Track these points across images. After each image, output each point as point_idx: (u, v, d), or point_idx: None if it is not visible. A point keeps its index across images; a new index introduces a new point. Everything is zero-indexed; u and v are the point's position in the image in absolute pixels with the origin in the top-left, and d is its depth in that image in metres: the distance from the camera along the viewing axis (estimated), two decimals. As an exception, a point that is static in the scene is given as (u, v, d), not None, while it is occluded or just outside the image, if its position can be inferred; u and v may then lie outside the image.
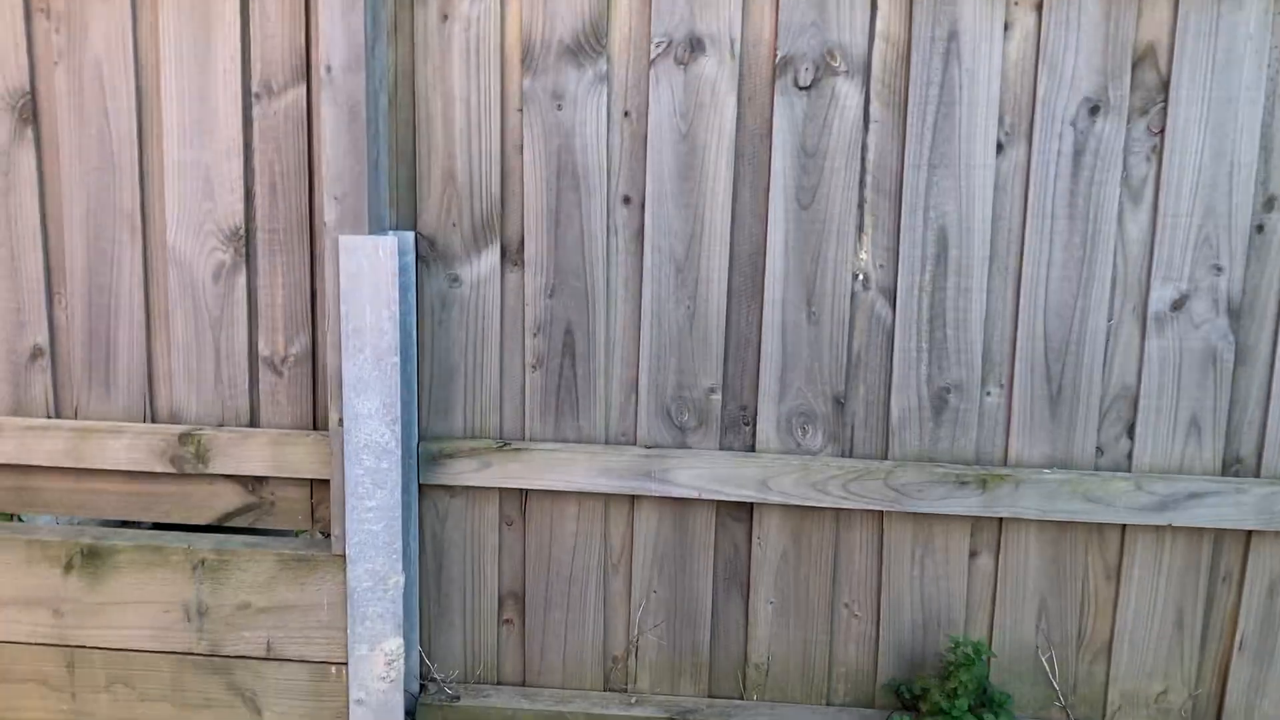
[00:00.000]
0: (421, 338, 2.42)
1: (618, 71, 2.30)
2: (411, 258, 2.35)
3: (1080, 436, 2.35)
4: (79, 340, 2.48)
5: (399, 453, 2.32)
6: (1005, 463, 2.37)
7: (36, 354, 2.49)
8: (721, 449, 2.42)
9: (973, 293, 2.31)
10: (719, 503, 2.44)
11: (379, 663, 2.41)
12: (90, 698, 2.51)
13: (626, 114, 2.31)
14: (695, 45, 2.27)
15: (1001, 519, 2.39)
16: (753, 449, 2.41)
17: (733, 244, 2.34)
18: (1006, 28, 2.22)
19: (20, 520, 2.61)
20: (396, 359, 2.28)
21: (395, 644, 2.40)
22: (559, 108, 2.31)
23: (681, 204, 2.32)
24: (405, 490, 2.39)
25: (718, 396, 2.39)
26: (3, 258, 2.45)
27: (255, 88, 2.34)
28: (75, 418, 2.51)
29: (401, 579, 2.38)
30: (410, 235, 2.35)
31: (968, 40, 2.22)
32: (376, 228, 2.29)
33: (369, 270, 2.24)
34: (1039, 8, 2.21)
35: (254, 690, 2.48)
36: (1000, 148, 2.26)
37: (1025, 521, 2.38)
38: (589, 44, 2.29)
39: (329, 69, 2.22)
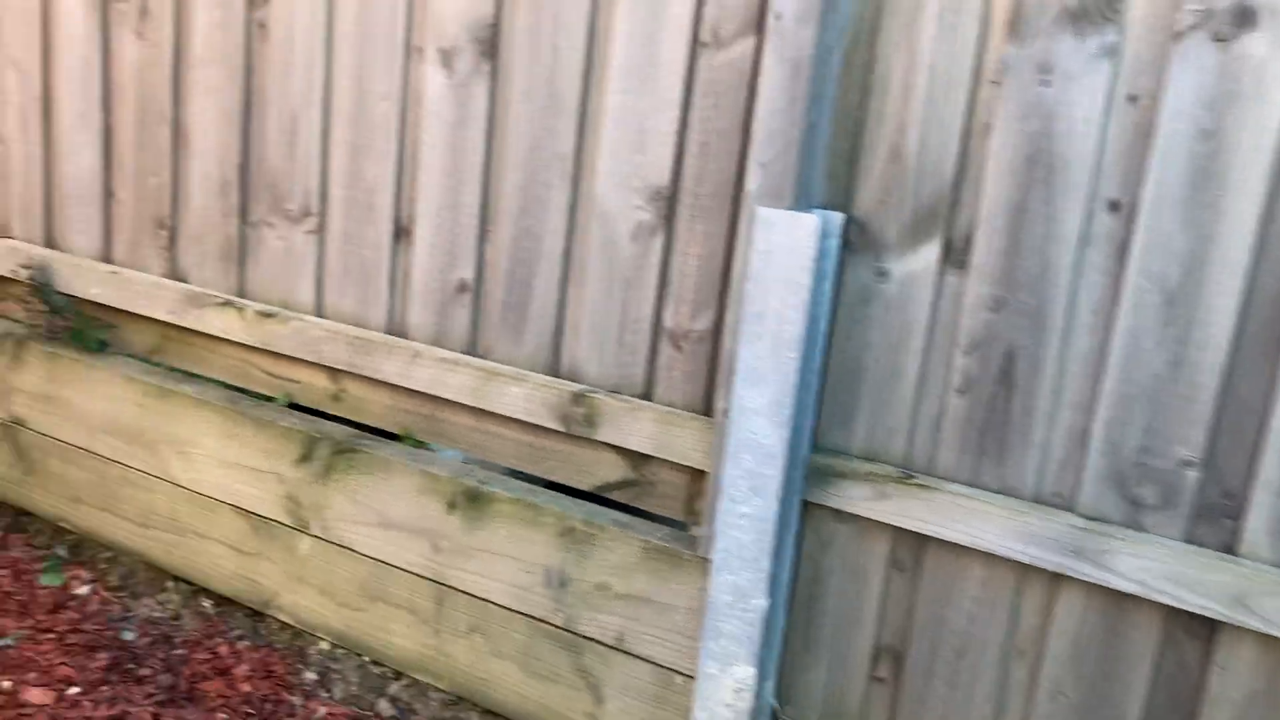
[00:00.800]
0: (832, 335, 2.10)
1: (1130, 45, 1.81)
2: (836, 242, 2.04)
3: None
4: (501, 281, 2.44)
5: (784, 460, 2.03)
6: None
7: (462, 288, 2.49)
8: (1187, 541, 1.87)
9: None
10: (1170, 609, 1.89)
11: (727, 687, 2.15)
12: (451, 639, 2.50)
13: (1132, 98, 1.81)
14: (1244, 18, 1.72)
15: None
16: (1230, 550, 1.84)
17: (1252, 280, 1.76)
18: None
19: (429, 449, 2.65)
20: (797, 354, 1.98)
21: (747, 672, 2.13)
22: (1044, 83, 1.87)
23: (1187, 219, 1.79)
24: (785, 503, 2.09)
25: (1194, 473, 1.84)
26: (448, 188, 2.47)
27: (704, 35, 2.14)
28: (485, 357, 2.49)
29: (765, 602, 2.10)
30: (839, 217, 2.03)
31: None
32: (802, 203, 2.01)
33: (783, 249, 1.96)
34: None
35: (598, 678, 2.33)
36: None
37: None
38: (1098, 8, 1.82)
39: (779, 17, 1.95)
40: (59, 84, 3.00)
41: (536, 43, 2.31)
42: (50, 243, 3.11)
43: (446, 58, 2.42)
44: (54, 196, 3.08)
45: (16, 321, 3.16)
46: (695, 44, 2.15)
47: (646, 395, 2.32)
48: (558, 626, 2.36)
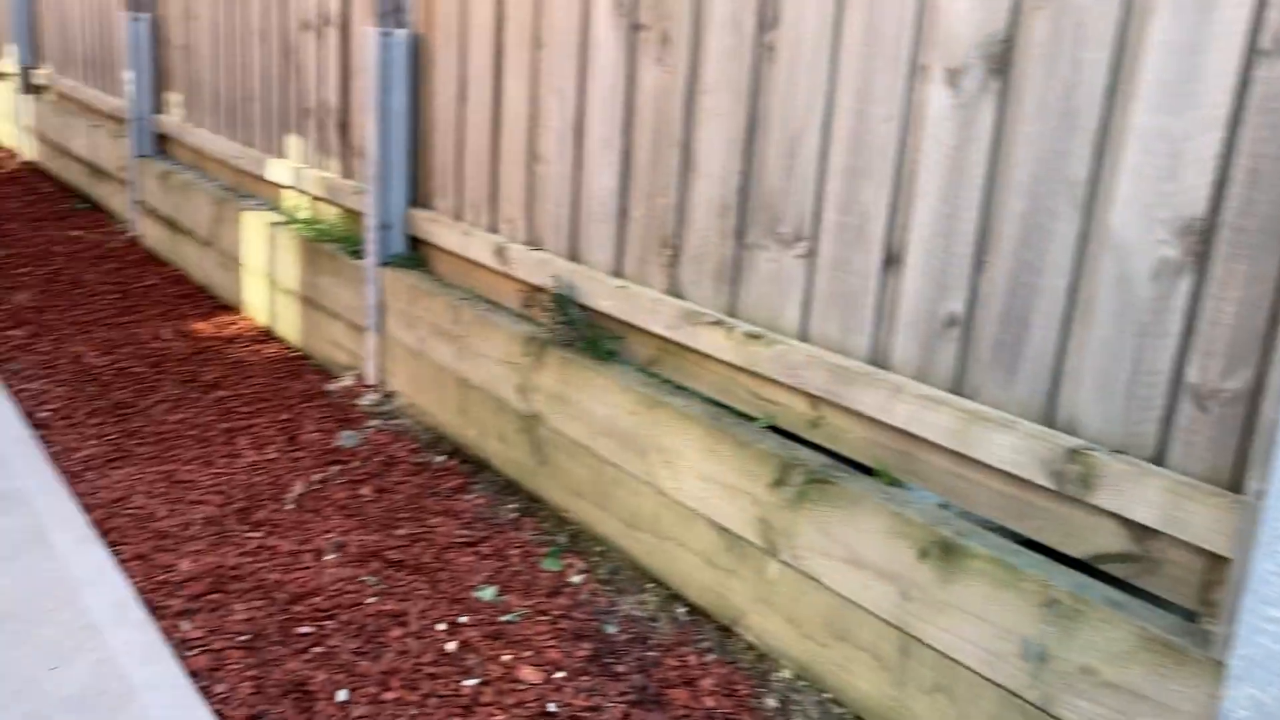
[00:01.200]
0: None
1: None
2: None
3: None
4: (994, 316, 2.24)
5: (1334, 561, 1.65)
6: None
7: (951, 322, 2.33)
8: None
9: None
10: None
11: (1234, 816, 1.80)
12: (914, 694, 2.34)
13: None
14: None
15: None
16: None
17: None
18: None
19: (903, 488, 2.52)
20: (1363, 434, 1.60)
21: (1263, 804, 1.77)
22: None
23: None
24: (1332, 613, 1.70)
25: None
26: (942, 215, 2.31)
27: (1264, 42, 1.79)
28: (969, 398, 2.30)
29: (1294, 726, 1.73)
30: None
31: None
32: (1385, 246, 1.61)
33: (1353, 303, 1.59)
34: None
35: (1074, 770, 2.06)
36: None
37: None
38: None
39: (1368, 16, 1.58)
40: (589, 110, 3.24)
41: (1053, 57, 2.08)
42: (573, 256, 3.38)
43: (953, 77, 2.26)
44: (578, 214, 3.34)
45: (541, 326, 3.47)
46: (1251, 53, 1.81)
47: (1157, 459, 2.00)
48: (1032, 704, 2.12)
